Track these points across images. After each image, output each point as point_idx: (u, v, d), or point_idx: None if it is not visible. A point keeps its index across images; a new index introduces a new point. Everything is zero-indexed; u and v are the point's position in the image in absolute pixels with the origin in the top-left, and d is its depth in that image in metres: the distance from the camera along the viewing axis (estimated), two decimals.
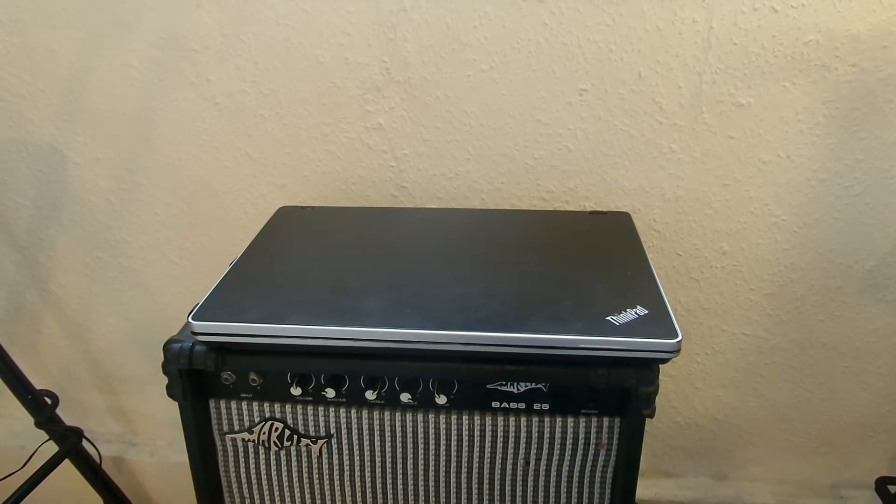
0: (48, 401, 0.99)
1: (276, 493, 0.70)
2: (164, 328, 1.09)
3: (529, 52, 0.82)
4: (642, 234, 0.80)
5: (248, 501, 0.71)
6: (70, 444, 1.01)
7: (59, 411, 1.00)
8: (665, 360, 0.57)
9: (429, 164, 0.90)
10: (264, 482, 0.70)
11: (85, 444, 1.04)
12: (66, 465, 1.02)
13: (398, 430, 0.65)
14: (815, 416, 1.04)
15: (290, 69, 0.86)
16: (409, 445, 0.66)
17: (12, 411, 1.17)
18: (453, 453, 0.66)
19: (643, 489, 1.12)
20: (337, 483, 0.69)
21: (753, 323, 0.97)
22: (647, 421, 0.62)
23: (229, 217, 0.97)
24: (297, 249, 0.74)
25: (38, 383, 0.98)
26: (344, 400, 0.65)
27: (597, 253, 0.72)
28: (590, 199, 0.90)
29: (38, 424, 0.98)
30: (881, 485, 0.99)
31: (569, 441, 0.64)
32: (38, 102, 0.91)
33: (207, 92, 0.88)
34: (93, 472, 1.07)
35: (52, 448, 1.01)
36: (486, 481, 0.67)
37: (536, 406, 0.63)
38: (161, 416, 1.20)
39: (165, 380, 0.63)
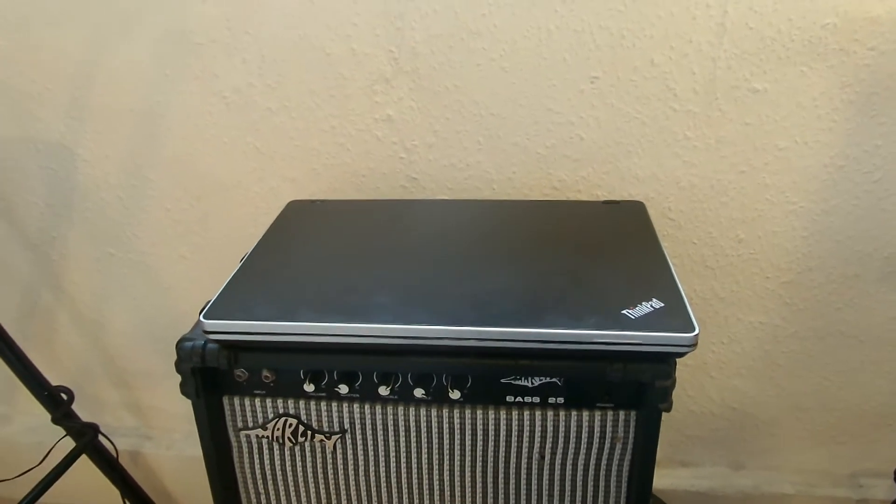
0: (64, 397, 0.99)
1: (292, 488, 0.70)
2: (176, 323, 1.10)
3: (540, 40, 0.80)
4: (656, 222, 0.79)
5: (263, 497, 0.71)
6: (87, 439, 1.02)
7: (74, 407, 1.01)
8: (682, 354, 0.56)
9: (439, 154, 0.89)
10: (279, 478, 0.70)
11: (101, 439, 1.05)
12: (84, 460, 1.03)
13: (412, 425, 0.65)
14: (833, 405, 1.03)
15: (296, 61, 0.85)
16: (424, 441, 0.66)
17: (29, 408, 1.18)
18: (468, 448, 0.65)
19: (659, 479, 1.11)
20: (352, 478, 0.69)
21: (770, 312, 0.95)
22: None
23: (239, 211, 0.97)
24: (307, 245, 0.73)
25: (53, 380, 0.99)
26: (357, 395, 0.64)
27: (611, 244, 0.71)
28: (602, 188, 0.89)
29: (55, 420, 0.99)
30: None
31: (584, 435, 0.63)
32: (46, 100, 0.91)
33: (214, 86, 0.88)
34: (110, 466, 1.07)
35: (69, 444, 1.01)
36: (501, 476, 0.67)
37: (551, 400, 0.62)
38: (176, 410, 1.21)
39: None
